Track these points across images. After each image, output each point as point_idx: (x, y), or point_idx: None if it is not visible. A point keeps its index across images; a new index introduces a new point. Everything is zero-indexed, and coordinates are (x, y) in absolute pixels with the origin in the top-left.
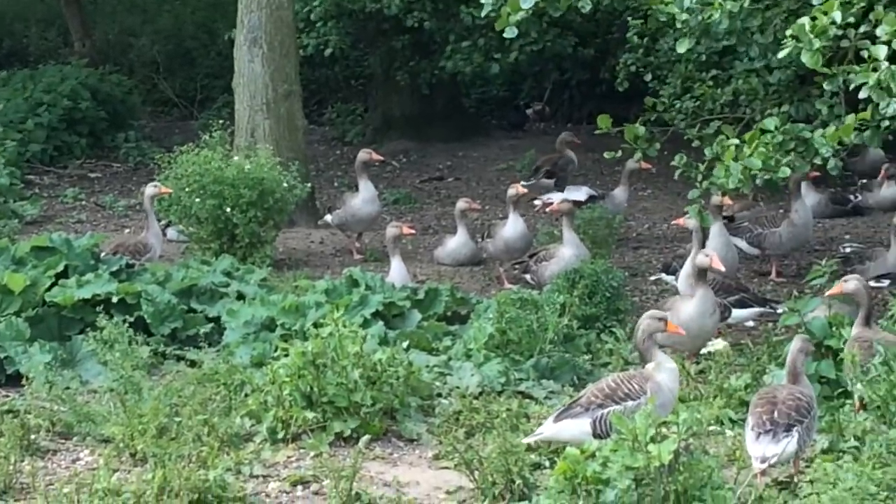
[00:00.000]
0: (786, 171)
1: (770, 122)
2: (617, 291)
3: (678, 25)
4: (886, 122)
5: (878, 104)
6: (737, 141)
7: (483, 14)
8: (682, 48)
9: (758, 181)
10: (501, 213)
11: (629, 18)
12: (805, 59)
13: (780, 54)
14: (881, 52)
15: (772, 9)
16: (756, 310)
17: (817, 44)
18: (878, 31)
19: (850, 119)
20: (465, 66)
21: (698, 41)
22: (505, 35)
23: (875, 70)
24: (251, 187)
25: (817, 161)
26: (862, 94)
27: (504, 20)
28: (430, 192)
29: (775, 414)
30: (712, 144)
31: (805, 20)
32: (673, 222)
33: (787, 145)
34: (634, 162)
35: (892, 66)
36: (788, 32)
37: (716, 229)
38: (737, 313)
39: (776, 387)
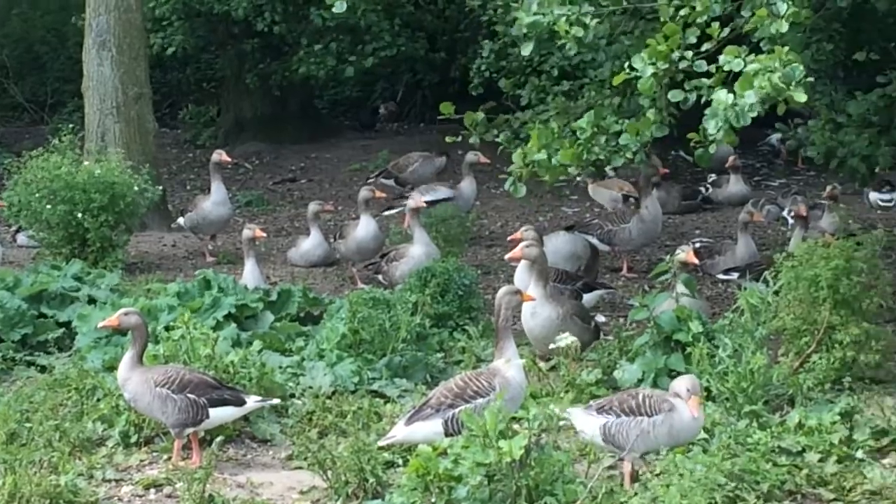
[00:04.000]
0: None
1: (584, 120)
2: (469, 289)
3: (524, 54)
4: (714, 147)
5: (706, 129)
6: (541, 126)
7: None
8: (525, 51)
9: (571, 171)
10: (354, 213)
11: (484, 42)
12: (640, 85)
13: (615, 82)
14: (722, 96)
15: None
16: (600, 292)
17: (650, 70)
18: (721, 60)
19: (651, 114)
20: (317, 71)
21: (552, 53)
22: (335, 10)
23: (720, 107)
24: (102, 192)
25: (628, 155)
26: (707, 125)
27: None
28: (282, 194)
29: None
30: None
31: (642, 53)
32: (509, 238)
33: (598, 140)
34: (473, 155)
35: (737, 107)
36: (626, 64)
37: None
38: (586, 297)
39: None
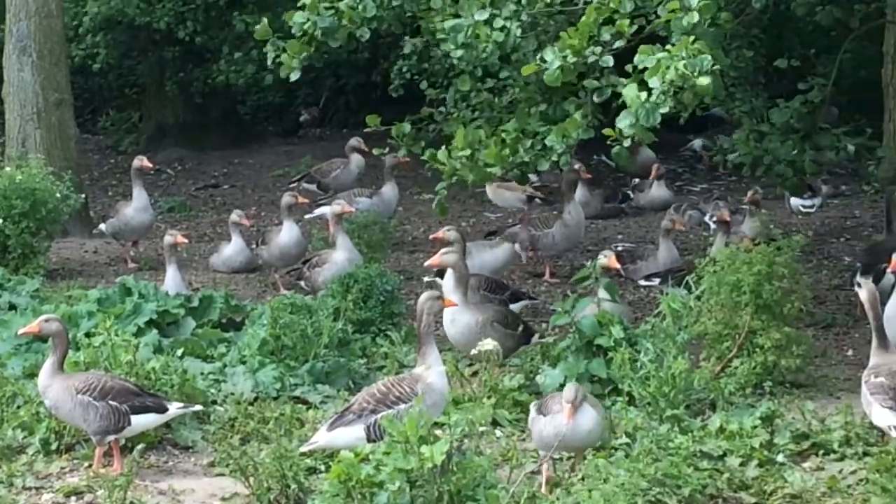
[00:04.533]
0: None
1: (511, 124)
2: (391, 295)
3: (454, 62)
4: (628, 142)
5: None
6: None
7: (269, 62)
8: (464, 86)
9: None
10: (277, 219)
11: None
12: (546, 77)
13: (524, 73)
14: (633, 91)
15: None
16: (525, 302)
17: (558, 62)
18: (636, 60)
19: (578, 115)
20: (237, 79)
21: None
22: (291, 79)
23: (632, 104)
24: (23, 198)
25: (553, 158)
26: (620, 125)
27: (288, 66)
28: (205, 200)
29: None
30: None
31: (553, 46)
32: (431, 237)
33: (524, 143)
34: (393, 157)
35: (647, 104)
36: (538, 56)
37: (506, 246)
38: (512, 307)
39: None
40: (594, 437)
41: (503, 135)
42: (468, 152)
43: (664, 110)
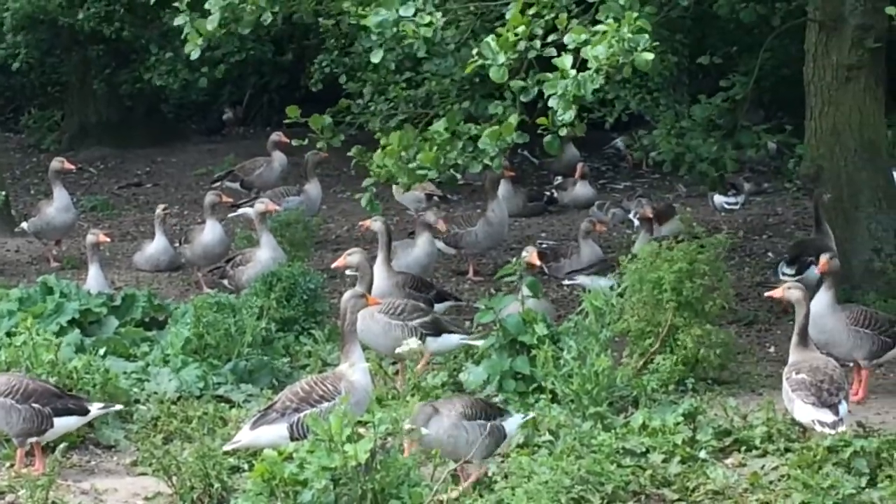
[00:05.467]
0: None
1: (440, 124)
2: (315, 293)
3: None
4: (564, 130)
5: (556, 111)
6: (398, 133)
7: (183, 36)
8: (375, 58)
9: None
10: (200, 218)
11: (321, 19)
12: (492, 74)
13: (466, 71)
14: (567, 62)
15: (464, 23)
16: (450, 303)
17: (502, 58)
18: (566, 40)
19: (513, 118)
20: (172, 83)
21: (392, 48)
22: (191, 57)
23: (564, 77)
24: None
25: (486, 161)
26: (551, 103)
27: (193, 42)
28: (128, 199)
29: None
30: (387, 133)
31: (490, 38)
32: (359, 224)
33: (455, 144)
34: (314, 155)
35: (579, 76)
36: (475, 51)
37: (424, 238)
38: (437, 307)
39: None
40: (450, 447)
41: (435, 136)
42: (402, 155)
43: (595, 86)
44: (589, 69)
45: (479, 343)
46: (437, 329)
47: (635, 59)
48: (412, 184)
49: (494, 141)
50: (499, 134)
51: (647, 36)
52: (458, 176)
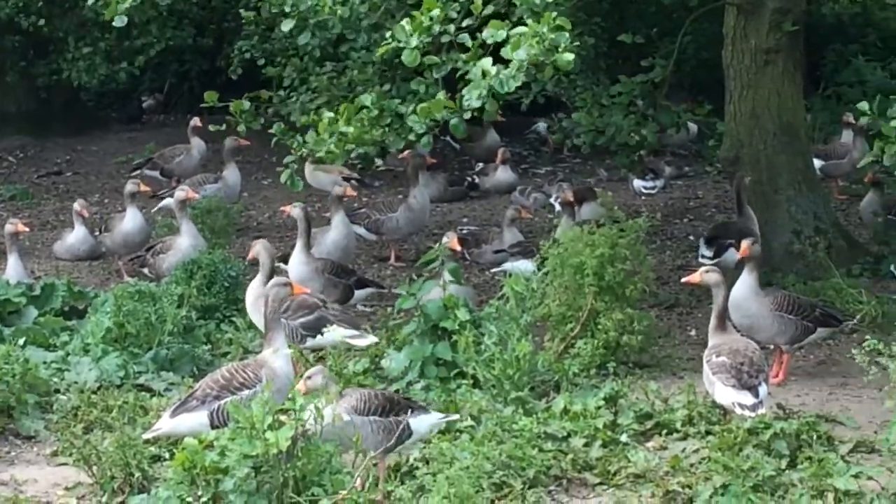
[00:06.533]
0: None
1: (366, 98)
2: (236, 281)
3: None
4: (468, 114)
5: (463, 95)
6: (331, 114)
7: (89, 2)
8: (286, 27)
9: (353, 154)
10: (121, 206)
11: (242, 11)
12: (404, 57)
13: (378, 52)
14: (488, 63)
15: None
16: (371, 289)
17: (415, 42)
18: (485, 35)
19: (441, 96)
20: (91, 79)
21: (313, 34)
22: (114, 24)
23: (485, 77)
24: None
25: (412, 137)
26: (465, 92)
27: (113, 9)
28: (48, 188)
29: None
30: (309, 113)
31: (404, 22)
32: (281, 209)
33: (383, 120)
34: (231, 140)
35: (501, 74)
36: (388, 34)
37: (338, 219)
38: (357, 293)
39: None
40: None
41: (364, 112)
42: (349, 129)
43: (517, 83)
44: (510, 68)
45: (363, 343)
46: (318, 329)
47: (557, 60)
48: (343, 161)
49: (424, 118)
50: (428, 111)
51: (566, 34)
52: (379, 161)
